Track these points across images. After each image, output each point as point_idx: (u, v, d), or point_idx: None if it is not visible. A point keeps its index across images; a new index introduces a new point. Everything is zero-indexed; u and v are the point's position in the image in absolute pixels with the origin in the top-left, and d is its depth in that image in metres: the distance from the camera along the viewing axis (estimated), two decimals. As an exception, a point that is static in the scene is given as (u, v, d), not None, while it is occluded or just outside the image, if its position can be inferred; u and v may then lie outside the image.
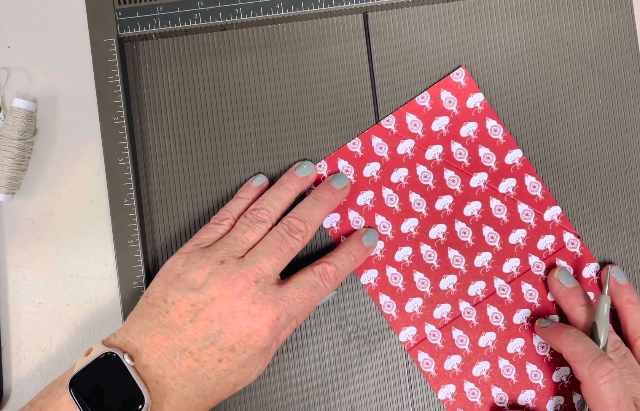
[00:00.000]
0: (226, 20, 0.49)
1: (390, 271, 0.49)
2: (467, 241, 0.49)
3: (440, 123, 0.50)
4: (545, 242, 0.49)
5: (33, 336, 0.49)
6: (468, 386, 0.49)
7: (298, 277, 0.44)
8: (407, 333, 0.49)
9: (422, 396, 0.49)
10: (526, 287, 0.49)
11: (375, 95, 0.50)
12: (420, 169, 0.50)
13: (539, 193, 0.50)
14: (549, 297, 0.49)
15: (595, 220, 0.50)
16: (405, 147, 0.50)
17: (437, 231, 0.50)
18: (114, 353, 0.40)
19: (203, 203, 0.50)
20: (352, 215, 0.50)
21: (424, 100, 0.50)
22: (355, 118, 0.50)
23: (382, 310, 0.49)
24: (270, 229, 0.45)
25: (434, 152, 0.50)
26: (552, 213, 0.50)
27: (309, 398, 0.49)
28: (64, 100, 0.50)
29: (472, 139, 0.50)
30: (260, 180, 0.49)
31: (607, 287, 0.46)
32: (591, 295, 0.49)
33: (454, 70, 0.50)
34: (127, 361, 0.40)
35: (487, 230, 0.49)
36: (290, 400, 0.49)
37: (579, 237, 0.50)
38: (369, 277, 0.49)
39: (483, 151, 0.50)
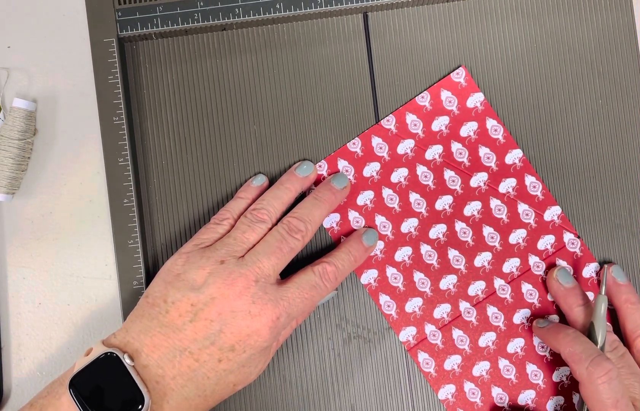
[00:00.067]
0: (226, 20, 0.49)
1: (390, 271, 0.49)
2: (467, 241, 0.49)
3: (440, 123, 0.50)
4: (545, 242, 0.49)
5: (33, 336, 0.49)
6: (468, 386, 0.49)
7: (298, 276, 0.44)
8: (407, 333, 0.49)
9: (422, 396, 0.49)
10: (526, 287, 0.49)
11: (375, 95, 0.50)
12: (420, 169, 0.50)
13: (539, 193, 0.50)
14: (549, 297, 0.49)
15: (595, 220, 0.50)
16: (405, 147, 0.50)
17: (437, 231, 0.49)
18: (114, 353, 0.40)
19: (203, 203, 0.50)
20: (352, 215, 0.50)
21: (424, 100, 0.50)
22: (355, 118, 0.50)
23: (382, 310, 0.49)
24: (270, 229, 0.45)
25: (434, 152, 0.50)
26: (552, 213, 0.50)
27: (309, 398, 0.49)
28: (64, 100, 0.50)
29: (472, 139, 0.50)
30: (260, 180, 0.49)
31: (604, 286, 0.46)
32: (591, 295, 0.49)
33: (454, 70, 0.50)
34: (127, 361, 0.40)
35: (487, 230, 0.49)
36: (290, 400, 0.49)
37: (579, 237, 0.50)
38: (369, 276, 0.49)
39: (483, 151, 0.50)
